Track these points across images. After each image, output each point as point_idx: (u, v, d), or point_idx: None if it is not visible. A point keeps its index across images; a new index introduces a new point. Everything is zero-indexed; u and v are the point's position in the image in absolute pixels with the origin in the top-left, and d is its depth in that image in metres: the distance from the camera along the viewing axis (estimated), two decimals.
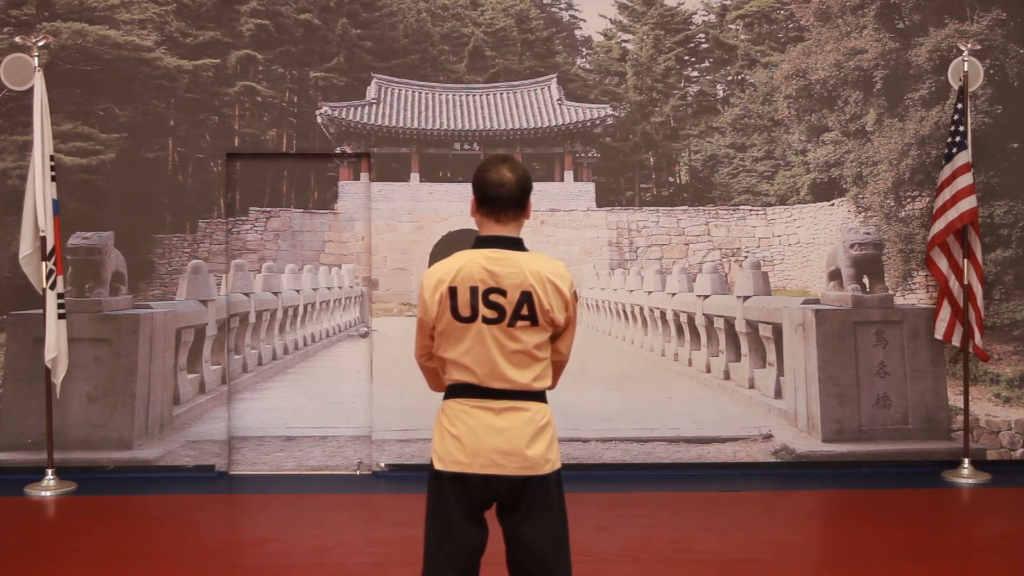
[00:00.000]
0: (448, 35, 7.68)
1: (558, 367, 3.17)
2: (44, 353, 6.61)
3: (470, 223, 3.31)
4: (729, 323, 7.58)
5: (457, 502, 2.99)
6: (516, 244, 3.03)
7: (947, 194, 6.90)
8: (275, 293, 7.73)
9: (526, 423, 2.99)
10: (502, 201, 2.99)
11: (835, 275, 7.39)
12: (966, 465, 6.97)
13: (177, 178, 7.47)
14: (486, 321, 2.95)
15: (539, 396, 3.05)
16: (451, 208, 7.47)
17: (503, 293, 2.95)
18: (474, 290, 2.95)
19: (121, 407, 7.11)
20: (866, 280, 7.32)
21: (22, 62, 6.89)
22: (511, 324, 2.95)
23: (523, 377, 2.99)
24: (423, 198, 7.50)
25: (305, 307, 8.02)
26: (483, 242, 3.03)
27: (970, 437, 7.06)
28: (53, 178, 6.63)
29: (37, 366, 6.90)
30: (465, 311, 2.96)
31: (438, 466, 3.02)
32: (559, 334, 3.09)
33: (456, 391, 3.04)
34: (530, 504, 3.01)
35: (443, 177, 7.59)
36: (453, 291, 2.97)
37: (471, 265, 2.98)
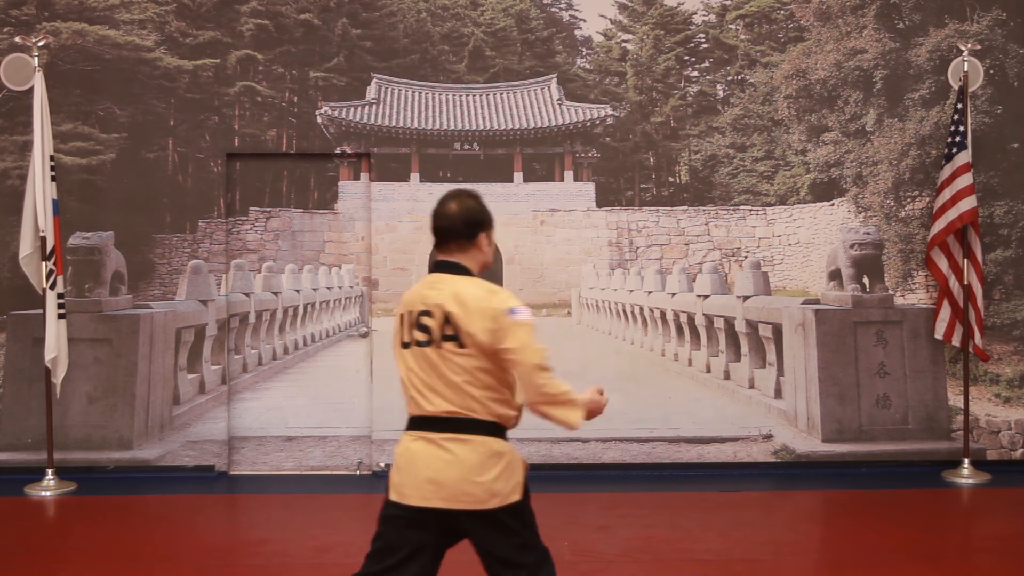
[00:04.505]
0: (448, 35, 7.68)
1: (531, 387, 2.95)
2: (44, 353, 6.61)
3: None
4: (729, 323, 7.57)
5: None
6: (457, 269, 3.07)
7: (947, 194, 6.90)
8: (275, 293, 7.73)
9: (469, 454, 2.94)
10: (441, 232, 3.11)
11: (835, 275, 7.39)
12: (966, 465, 6.97)
13: (177, 178, 7.47)
14: (419, 344, 3.00)
15: (486, 427, 2.97)
16: None
17: (430, 315, 3.00)
18: (411, 314, 3.05)
19: (121, 407, 7.11)
20: (866, 280, 7.32)
21: (22, 62, 6.89)
22: (439, 346, 2.96)
23: (461, 404, 2.95)
24: (423, 198, 7.50)
25: (305, 307, 8.02)
26: (433, 267, 3.16)
27: (970, 437, 7.06)
28: (53, 178, 6.63)
29: (37, 366, 6.90)
30: (406, 336, 3.05)
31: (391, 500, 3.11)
32: (503, 356, 2.93)
33: (409, 422, 3.09)
34: (483, 536, 3.01)
35: (443, 177, 7.59)
36: (402, 318, 3.09)
37: (412, 291, 3.13)
